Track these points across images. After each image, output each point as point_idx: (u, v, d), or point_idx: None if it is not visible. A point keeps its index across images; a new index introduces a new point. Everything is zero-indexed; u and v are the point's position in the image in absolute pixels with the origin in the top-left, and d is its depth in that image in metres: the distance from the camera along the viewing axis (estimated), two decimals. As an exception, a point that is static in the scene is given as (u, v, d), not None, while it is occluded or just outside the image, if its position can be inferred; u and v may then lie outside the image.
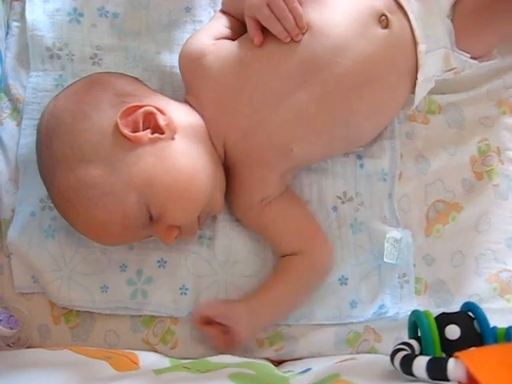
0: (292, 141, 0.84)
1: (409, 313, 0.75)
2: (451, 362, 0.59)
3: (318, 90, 0.82)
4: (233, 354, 0.83)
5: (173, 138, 0.81)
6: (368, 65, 0.82)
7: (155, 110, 0.80)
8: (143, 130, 0.79)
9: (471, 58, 0.89)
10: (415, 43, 0.85)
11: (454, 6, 0.88)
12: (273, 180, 0.87)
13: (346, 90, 0.82)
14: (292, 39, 0.82)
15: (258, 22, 0.83)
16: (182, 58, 0.89)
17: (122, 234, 0.81)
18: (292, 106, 0.82)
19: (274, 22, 0.81)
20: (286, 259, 0.88)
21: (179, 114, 0.83)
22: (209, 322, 0.85)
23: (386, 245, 0.88)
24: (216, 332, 0.84)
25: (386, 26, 0.83)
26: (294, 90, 0.82)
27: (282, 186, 0.88)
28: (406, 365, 0.62)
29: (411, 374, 0.62)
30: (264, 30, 0.84)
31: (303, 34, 0.82)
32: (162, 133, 0.80)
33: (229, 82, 0.85)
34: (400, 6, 0.85)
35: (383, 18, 0.83)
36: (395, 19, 0.84)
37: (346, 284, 0.90)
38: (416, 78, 0.87)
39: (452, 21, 0.87)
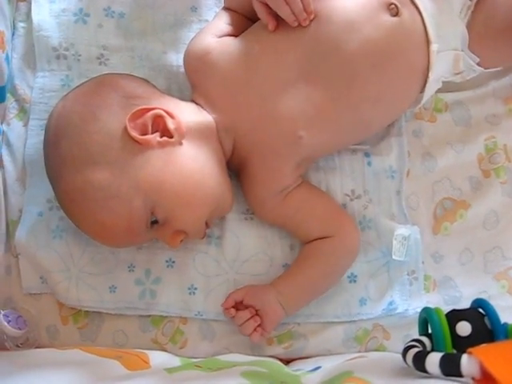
0: (300, 127, 0.83)
1: (418, 310, 0.75)
2: (465, 358, 0.59)
3: (323, 77, 0.82)
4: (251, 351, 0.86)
5: (181, 142, 0.80)
6: (372, 51, 0.82)
7: (164, 114, 0.80)
8: (152, 133, 0.79)
9: (478, 64, 0.89)
10: (428, 42, 0.84)
11: (475, 15, 0.87)
12: (287, 171, 0.86)
13: (350, 75, 0.82)
14: (299, 24, 0.82)
15: (267, 7, 0.83)
16: (187, 58, 0.89)
17: (126, 236, 0.81)
18: (298, 94, 0.83)
19: (282, 5, 0.81)
20: (314, 243, 0.88)
21: (188, 116, 0.83)
22: (240, 308, 0.85)
23: (394, 242, 0.88)
24: (247, 314, 0.84)
25: (396, 15, 0.83)
26: (300, 77, 0.83)
27: (298, 177, 0.88)
28: (419, 361, 0.62)
29: (424, 371, 0.61)
30: None
31: (311, 20, 0.82)
32: (171, 136, 0.80)
33: (236, 75, 0.85)
34: (412, 2, 0.84)
35: (392, 6, 0.83)
36: (406, 11, 0.83)
37: (355, 282, 0.90)
38: (427, 77, 0.86)
39: (469, 27, 0.87)
